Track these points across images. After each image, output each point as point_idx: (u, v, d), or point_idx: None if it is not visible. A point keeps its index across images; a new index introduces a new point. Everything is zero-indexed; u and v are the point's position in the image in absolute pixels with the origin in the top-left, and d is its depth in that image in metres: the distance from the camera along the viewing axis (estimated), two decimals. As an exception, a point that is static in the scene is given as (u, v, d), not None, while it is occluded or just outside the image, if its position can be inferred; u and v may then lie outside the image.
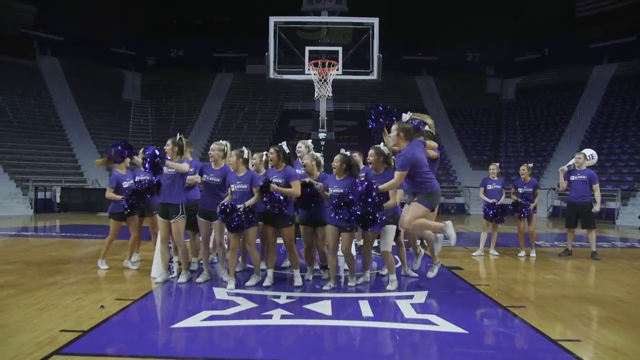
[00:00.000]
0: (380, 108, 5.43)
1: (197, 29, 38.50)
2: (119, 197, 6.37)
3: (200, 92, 34.01)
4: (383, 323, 4.30)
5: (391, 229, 5.57)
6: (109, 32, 35.52)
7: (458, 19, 35.41)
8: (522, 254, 8.38)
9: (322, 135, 10.41)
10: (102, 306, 4.54)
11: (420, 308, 4.79)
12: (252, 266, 5.97)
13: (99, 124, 27.80)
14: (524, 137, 28.48)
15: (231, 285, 5.40)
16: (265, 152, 6.16)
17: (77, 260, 7.43)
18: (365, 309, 4.74)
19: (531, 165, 8.85)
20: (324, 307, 4.74)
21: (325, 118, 10.59)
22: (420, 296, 5.27)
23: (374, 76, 8.28)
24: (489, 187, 8.59)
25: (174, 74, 35.10)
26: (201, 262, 6.29)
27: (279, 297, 5.11)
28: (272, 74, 8.07)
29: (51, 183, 20.02)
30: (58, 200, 19.11)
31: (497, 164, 9.04)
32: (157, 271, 5.89)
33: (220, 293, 5.18)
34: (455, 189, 24.41)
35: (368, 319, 4.41)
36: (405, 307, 4.80)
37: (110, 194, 6.40)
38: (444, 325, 4.19)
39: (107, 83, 32.39)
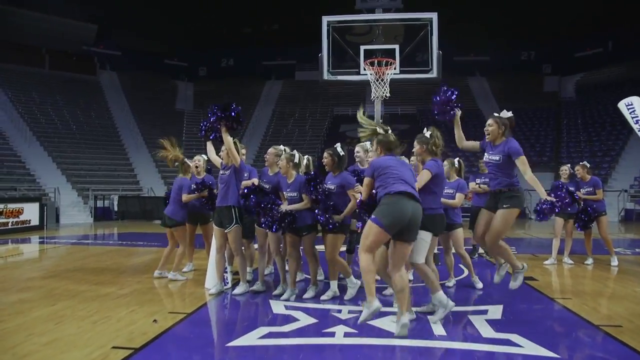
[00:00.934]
0: (450, 92, 4.83)
1: (246, 38, 39.05)
2: (193, 195, 6.20)
3: (250, 100, 34.37)
4: (459, 343, 3.84)
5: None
6: (162, 45, 36.75)
7: (510, 16, 33.97)
8: (588, 261, 7.63)
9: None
10: (155, 320, 4.33)
11: (498, 325, 4.27)
12: (308, 276, 5.64)
13: (153, 133, 28.48)
14: (588, 136, 26.79)
15: (286, 295, 5.08)
16: (307, 157, 5.79)
17: (132, 269, 7.37)
18: (436, 326, 4.28)
19: (586, 164, 8.00)
20: (391, 323, 4.33)
21: (381, 121, 10.17)
22: (495, 311, 4.74)
23: (433, 74, 7.78)
24: None
25: (225, 83, 35.72)
26: (256, 270, 6.03)
27: (340, 311, 4.73)
28: (325, 76, 7.75)
29: (109, 192, 20.65)
30: (116, 208, 19.64)
31: (569, 164, 8.27)
32: (211, 282, 5.66)
33: (277, 307, 4.86)
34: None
35: (441, 337, 3.96)
36: (481, 325, 4.30)
37: (187, 197, 6.23)
38: (530, 348, 3.67)
39: (161, 94, 33.44)
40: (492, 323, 4.33)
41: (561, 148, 26.38)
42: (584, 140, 26.44)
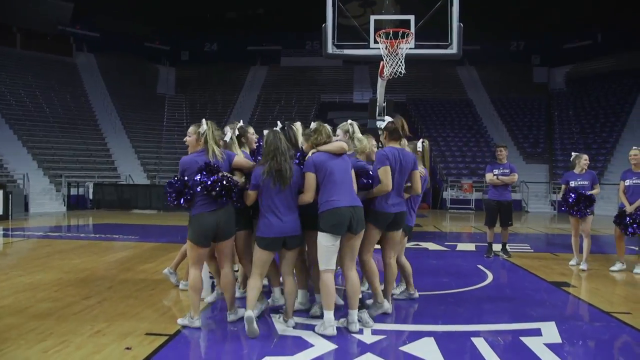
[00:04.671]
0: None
1: (231, 22, 37.75)
2: None
3: (234, 85, 33.27)
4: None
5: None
6: (144, 28, 35.34)
7: (499, 6, 33.35)
8: (615, 267, 6.55)
9: (380, 124, 9.04)
10: (127, 348, 3.34)
11: (561, 351, 3.40)
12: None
13: (133, 118, 27.29)
14: (581, 128, 26.35)
15: (290, 323, 3.99)
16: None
17: (104, 269, 6.31)
18: (486, 351, 3.39)
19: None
20: (428, 348, 3.42)
21: (384, 104, 9.24)
22: (549, 331, 3.86)
23: (453, 49, 6.84)
24: (573, 183, 6.73)
25: (208, 68, 34.51)
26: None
27: (361, 331, 3.80)
28: (330, 49, 6.75)
29: (84, 179, 19.36)
30: (91, 196, 18.39)
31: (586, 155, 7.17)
32: (206, 291, 4.70)
33: (282, 327, 3.90)
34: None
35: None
36: (541, 350, 3.42)
37: None
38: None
39: (142, 78, 32.15)
40: (554, 349, 3.45)
41: (554, 139, 25.87)
42: (577, 132, 25.98)
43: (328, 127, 4.10)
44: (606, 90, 28.62)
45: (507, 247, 7.80)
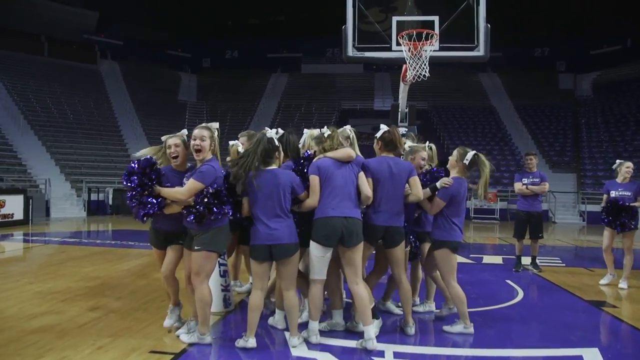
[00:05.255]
0: None
1: (252, 29, 38.02)
2: None
3: (255, 92, 33.31)
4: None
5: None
6: (166, 35, 35.82)
7: (523, 11, 32.73)
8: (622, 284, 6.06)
9: (402, 131, 8.71)
10: (127, 368, 3.10)
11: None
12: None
13: (154, 125, 27.42)
14: (610, 135, 25.46)
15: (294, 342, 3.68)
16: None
17: (116, 278, 6.12)
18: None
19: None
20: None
21: (407, 110, 8.92)
22: (592, 359, 3.48)
23: (479, 52, 6.50)
24: (614, 193, 6.19)
25: (229, 75, 34.67)
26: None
27: (382, 354, 3.48)
28: (350, 52, 6.48)
29: (104, 184, 19.45)
30: (110, 202, 18.43)
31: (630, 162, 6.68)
32: (217, 304, 4.45)
33: (297, 347, 3.60)
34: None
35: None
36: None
37: None
38: None
39: (164, 85, 32.42)
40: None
41: (582, 148, 25.05)
42: (606, 140, 25.11)
43: (339, 135, 3.90)
44: (637, 96, 27.68)
45: (537, 260, 7.37)
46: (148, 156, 3.70)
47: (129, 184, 3.55)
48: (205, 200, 3.46)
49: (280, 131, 4.06)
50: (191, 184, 3.50)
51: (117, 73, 31.36)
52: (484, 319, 4.52)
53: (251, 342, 3.53)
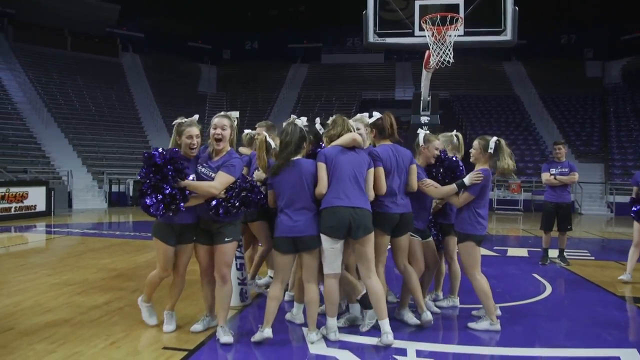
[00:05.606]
0: None
1: (272, 20, 37.89)
2: None
3: (275, 83, 33.22)
4: None
5: None
6: (186, 27, 35.95)
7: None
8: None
9: (424, 120, 8.50)
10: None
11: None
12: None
13: (174, 116, 26.39)
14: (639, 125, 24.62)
15: (312, 337, 3.54)
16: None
17: (132, 270, 6.08)
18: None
19: None
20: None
21: (429, 98, 8.66)
22: None
23: (507, 36, 6.22)
24: None
25: (249, 66, 34.64)
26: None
27: (404, 352, 3.32)
28: (372, 38, 6.26)
29: (125, 176, 19.62)
30: (131, 193, 18.60)
31: None
32: (234, 299, 4.33)
33: (315, 343, 3.47)
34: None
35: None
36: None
37: None
38: None
39: (184, 77, 32.58)
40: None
41: (610, 137, 24.26)
42: (636, 129, 24.28)
43: (347, 120, 3.71)
44: (669, 83, 26.67)
45: (565, 253, 7.08)
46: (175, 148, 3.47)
47: (150, 174, 3.26)
48: (243, 194, 3.43)
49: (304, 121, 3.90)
50: (224, 178, 3.40)
51: (138, 65, 31.58)
52: (511, 315, 4.31)
53: (267, 332, 3.42)
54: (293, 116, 3.71)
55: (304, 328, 3.72)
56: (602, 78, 31.16)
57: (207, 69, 34.96)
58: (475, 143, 4.02)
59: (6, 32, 27.34)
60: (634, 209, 5.75)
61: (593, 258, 7.84)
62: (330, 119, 3.76)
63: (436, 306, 4.41)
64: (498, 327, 3.83)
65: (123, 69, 30.80)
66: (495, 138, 3.94)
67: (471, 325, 3.93)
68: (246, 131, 4.86)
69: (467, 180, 3.86)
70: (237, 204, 3.41)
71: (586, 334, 3.84)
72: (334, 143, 3.58)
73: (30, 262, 6.52)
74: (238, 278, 4.49)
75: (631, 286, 5.59)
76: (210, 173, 3.50)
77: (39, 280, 5.36)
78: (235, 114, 3.67)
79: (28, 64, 25.73)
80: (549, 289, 5.36)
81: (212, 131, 3.55)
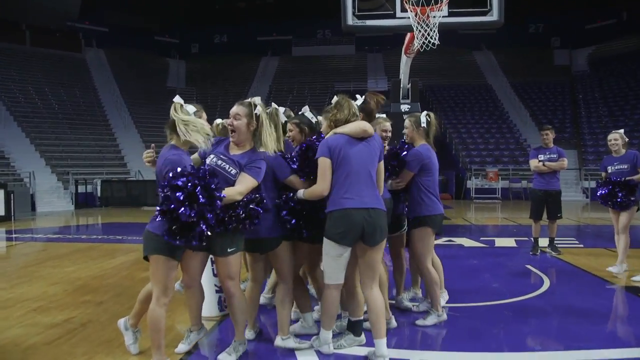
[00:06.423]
0: None
1: (240, 13, 37.14)
2: None
3: (245, 77, 32.60)
4: None
5: None
6: (153, 21, 34.96)
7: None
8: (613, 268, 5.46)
9: (404, 108, 8.15)
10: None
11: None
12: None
13: (143, 113, 26.67)
14: (609, 110, 25.04)
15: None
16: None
17: (98, 280, 5.53)
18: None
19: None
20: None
21: (409, 86, 8.32)
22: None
23: (493, 16, 5.90)
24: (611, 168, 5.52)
25: (218, 60, 33.94)
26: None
27: (408, 367, 2.94)
28: (350, 20, 5.84)
29: (92, 176, 18.75)
30: (99, 194, 17.76)
31: (621, 131, 5.97)
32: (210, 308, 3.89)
33: (282, 346, 3.07)
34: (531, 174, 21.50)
35: None
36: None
37: None
38: None
39: (152, 72, 31.72)
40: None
41: (581, 124, 24.60)
42: (606, 115, 24.66)
43: (353, 103, 3.19)
44: (634, 70, 27.18)
45: (555, 242, 6.86)
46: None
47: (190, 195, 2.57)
48: (251, 205, 2.88)
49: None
50: (250, 182, 2.86)
51: (103, 61, 30.57)
52: (513, 313, 4.01)
53: (249, 334, 3.19)
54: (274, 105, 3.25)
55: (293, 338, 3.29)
56: (570, 66, 31.71)
57: (175, 64, 34.09)
58: (406, 122, 3.82)
59: (-41, 27, 25.96)
60: (599, 192, 5.50)
61: (582, 246, 7.66)
62: (334, 99, 3.19)
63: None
64: (445, 316, 3.71)
65: (87, 64, 29.74)
66: (425, 112, 3.80)
67: (419, 322, 3.69)
68: (217, 121, 4.40)
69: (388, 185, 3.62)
70: (242, 215, 2.84)
71: (600, 331, 3.54)
72: (338, 130, 3.04)
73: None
74: (215, 285, 4.04)
75: (629, 275, 5.36)
76: (227, 166, 2.92)
77: (-10, 295, 4.78)
78: (256, 100, 3.07)
79: (-17, 60, 24.45)
80: (546, 282, 5.07)
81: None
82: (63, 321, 3.89)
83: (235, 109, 3.03)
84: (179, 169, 2.65)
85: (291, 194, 3.10)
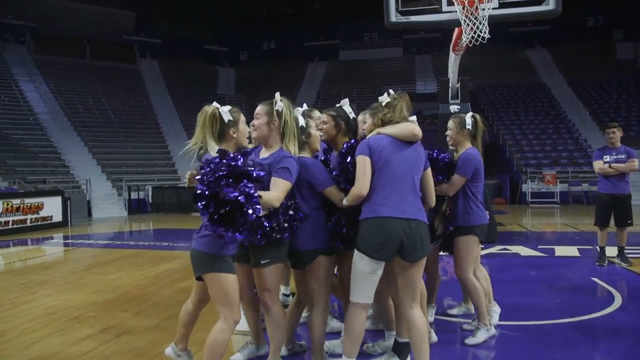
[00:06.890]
0: None
1: (287, 19, 37.56)
2: None
3: (293, 82, 32.75)
4: None
5: None
6: (203, 31, 35.91)
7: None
8: None
9: (454, 109, 7.72)
10: None
11: None
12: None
13: (193, 120, 26.68)
14: (680, 106, 23.22)
15: None
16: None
17: (139, 288, 5.50)
18: None
19: None
20: None
21: (458, 85, 7.89)
22: None
23: (549, 5, 5.44)
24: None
25: (267, 67, 34.33)
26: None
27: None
28: (393, 17, 5.57)
29: (144, 182, 19.30)
30: (150, 200, 18.24)
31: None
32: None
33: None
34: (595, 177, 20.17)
35: None
36: None
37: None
38: None
39: (202, 80, 32.54)
40: None
41: (648, 121, 22.94)
42: (676, 111, 22.89)
43: (406, 104, 2.83)
44: None
45: (625, 252, 6.24)
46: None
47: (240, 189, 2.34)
48: (290, 212, 2.71)
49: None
50: (282, 185, 2.62)
51: (156, 71, 31.64)
52: (580, 334, 3.56)
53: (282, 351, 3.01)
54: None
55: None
56: (635, 59, 29.74)
57: (224, 72, 34.82)
58: (450, 123, 3.53)
59: (28, 45, 27.97)
60: None
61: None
62: (384, 97, 2.82)
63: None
64: (493, 330, 3.45)
65: (141, 75, 30.88)
66: (470, 113, 3.51)
67: (469, 341, 3.34)
68: None
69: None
70: (284, 224, 2.65)
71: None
72: (383, 131, 2.73)
73: (32, 279, 6.00)
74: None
75: None
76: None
77: (35, 302, 4.82)
78: (277, 96, 2.89)
79: (49, 74, 25.99)
80: (617, 298, 4.55)
81: None
82: (99, 332, 3.82)
83: (258, 108, 2.91)
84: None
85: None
